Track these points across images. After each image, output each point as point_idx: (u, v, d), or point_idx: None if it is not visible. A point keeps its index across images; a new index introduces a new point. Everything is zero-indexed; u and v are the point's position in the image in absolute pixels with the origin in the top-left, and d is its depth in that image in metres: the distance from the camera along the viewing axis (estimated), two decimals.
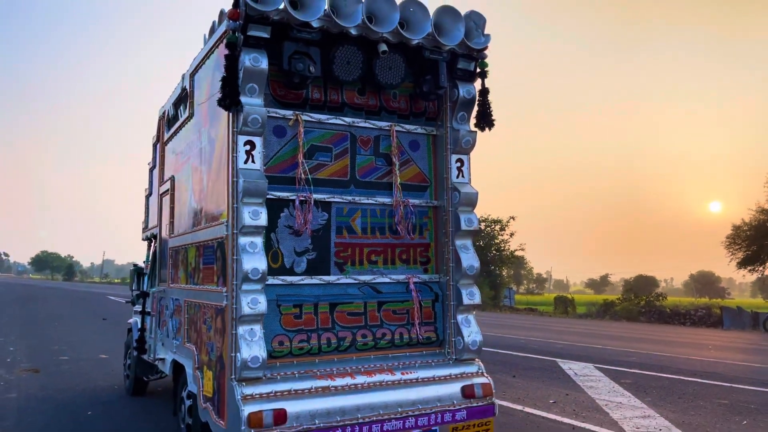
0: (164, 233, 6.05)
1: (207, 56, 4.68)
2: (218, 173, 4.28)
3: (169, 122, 6.08)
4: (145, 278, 7.39)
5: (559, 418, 6.66)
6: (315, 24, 4.00)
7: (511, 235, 45.33)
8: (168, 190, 5.85)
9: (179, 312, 5.29)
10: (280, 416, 3.76)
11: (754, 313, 27.34)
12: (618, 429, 6.21)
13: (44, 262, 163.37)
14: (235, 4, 3.90)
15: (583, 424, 6.37)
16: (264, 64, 3.93)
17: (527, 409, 7.04)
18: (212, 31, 4.78)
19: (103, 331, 16.81)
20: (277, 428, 3.74)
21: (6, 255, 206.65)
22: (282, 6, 3.86)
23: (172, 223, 5.68)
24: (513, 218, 45.00)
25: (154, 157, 6.84)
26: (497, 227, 45.18)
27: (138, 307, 7.73)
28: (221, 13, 4.56)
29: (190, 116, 5.15)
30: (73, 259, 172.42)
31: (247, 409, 3.70)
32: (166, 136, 6.12)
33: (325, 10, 3.99)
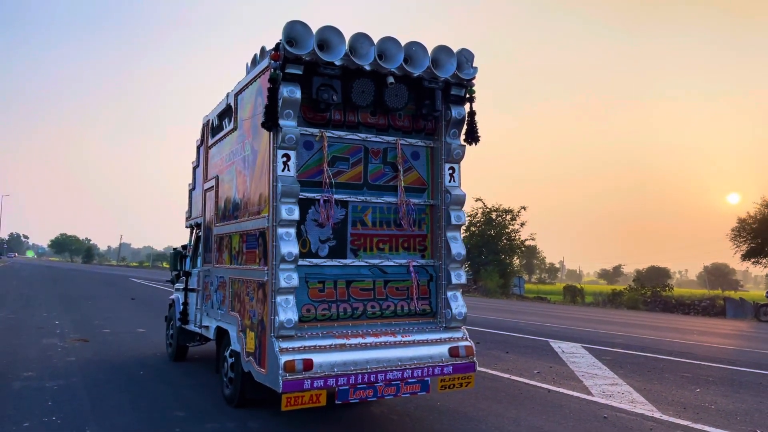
0: (209, 222, 7.26)
1: (250, 82, 5.85)
2: (260, 177, 5.47)
3: (213, 130, 7.27)
4: (187, 260, 8.61)
5: (538, 384, 7.84)
6: (337, 63, 5.17)
7: (522, 224, 46.32)
8: (212, 186, 7.05)
9: (223, 287, 6.51)
10: (308, 364, 4.96)
11: (756, 304, 28.22)
12: (587, 392, 7.38)
13: (63, 244, 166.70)
14: (276, 48, 5.07)
15: (557, 389, 7.54)
16: (298, 94, 5.10)
17: (513, 377, 8.22)
18: (254, 62, 5.97)
19: (134, 309, 18.19)
20: (305, 373, 4.93)
21: (26, 237, 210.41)
22: (312, 49, 5.03)
23: (216, 214, 6.88)
24: (524, 208, 45.96)
25: (198, 158, 8.04)
26: (508, 217, 46.19)
27: (180, 285, 8.98)
28: (263, 49, 5.75)
29: (234, 129, 6.33)
30: (91, 242, 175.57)
31: (284, 358, 4.89)
32: (210, 142, 7.31)
33: (346, 51, 5.14)
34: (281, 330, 4.98)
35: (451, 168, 5.88)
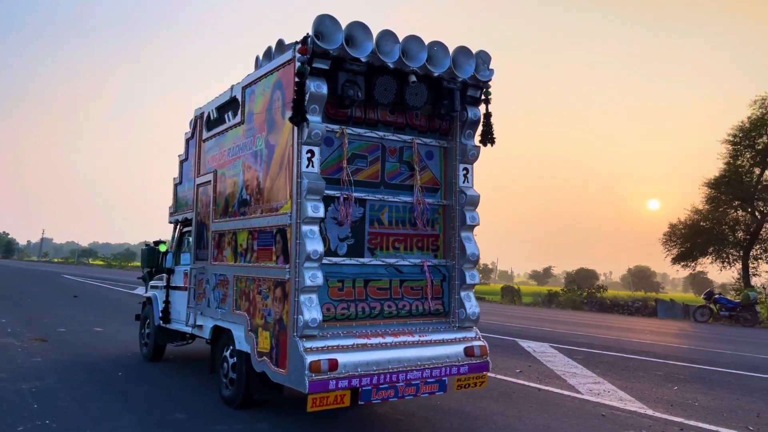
0: (203, 218, 7.03)
1: (265, 75, 5.69)
2: (278, 173, 5.34)
3: (209, 123, 7.03)
4: (168, 256, 8.29)
5: (526, 383, 7.97)
6: (363, 59, 5.10)
7: None
8: (209, 181, 6.82)
9: (224, 285, 6.31)
10: (333, 365, 4.87)
11: (685, 305, 29.68)
12: (575, 391, 7.56)
13: None
14: (304, 42, 4.96)
15: (547, 387, 7.70)
16: (324, 89, 5.01)
17: (499, 376, 8.33)
18: (268, 55, 5.83)
19: (81, 307, 17.44)
20: (330, 374, 4.84)
21: None
22: (340, 44, 4.95)
23: (215, 210, 6.67)
24: None
25: (187, 151, 7.77)
26: None
27: (158, 282, 8.66)
28: (280, 42, 5.63)
29: (241, 122, 6.15)
30: (9, 237, 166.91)
31: (309, 358, 4.79)
32: (206, 135, 7.07)
33: (373, 48, 5.08)
34: (305, 329, 4.87)
35: (465, 169, 5.91)
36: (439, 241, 5.94)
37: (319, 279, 4.95)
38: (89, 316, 14.95)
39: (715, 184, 32.08)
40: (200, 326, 6.92)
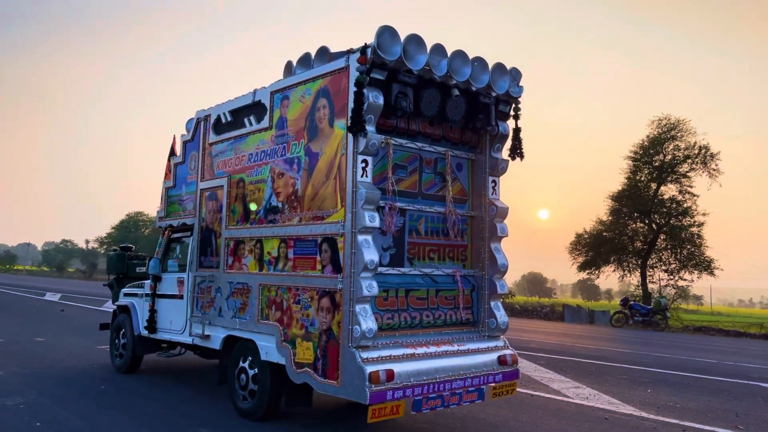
0: (211, 224, 6.78)
1: (304, 82, 5.60)
2: (324, 182, 5.28)
3: (218, 126, 6.79)
4: (154, 263, 7.88)
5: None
6: (416, 71, 5.16)
7: None
8: (221, 186, 6.60)
9: (243, 294, 6.12)
10: (390, 375, 4.87)
11: (590, 310, 31.54)
12: (564, 395, 7.90)
13: None
14: (363, 52, 4.96)
15: (536, 393, 7.99)
16: (381, 100, 5.03)
17: None
18: (306, 61, 5.77)
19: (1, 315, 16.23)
20: (387, 384, 4.83)
21: None
22: (399, 56, 4.99)
23: (229, 216, 6.46)
24: None
25: (185, 154, 7.46)
26: None
27: (137, 290, 8.25)
28: (323, 50, 5.60)
29: (270, 127, 6.01)
30: None
31: (369, 369, 4.76)
32: (215, 138, 6.82)
33: (427, 60, 5.15)
34: (362, 340, 4.85)
35: (494, 181, 6.08)
36: (467, 251, 6.07)
37: (375, 289, 4.95)
38: (16, 325, 13.97)
39: (618, 197, 34.25)
40: (207, 336, 6.66)
